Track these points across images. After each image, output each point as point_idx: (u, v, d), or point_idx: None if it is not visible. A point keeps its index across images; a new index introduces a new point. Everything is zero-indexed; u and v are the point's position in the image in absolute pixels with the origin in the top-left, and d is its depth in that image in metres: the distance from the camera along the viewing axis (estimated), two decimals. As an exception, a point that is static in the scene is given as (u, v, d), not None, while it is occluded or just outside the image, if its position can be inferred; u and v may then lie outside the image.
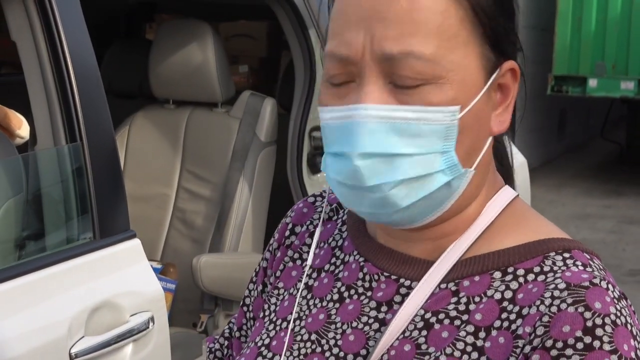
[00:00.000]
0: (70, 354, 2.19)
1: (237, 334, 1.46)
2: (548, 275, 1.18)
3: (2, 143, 2.51)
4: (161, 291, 2.50)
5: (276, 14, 3.45)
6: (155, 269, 3.40)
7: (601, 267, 1.24)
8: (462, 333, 1.18)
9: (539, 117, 12.91)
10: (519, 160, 4.49)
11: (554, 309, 1.12)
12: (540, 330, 1.12)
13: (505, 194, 1.31)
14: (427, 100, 1.12)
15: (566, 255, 1.22)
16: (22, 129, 2.77)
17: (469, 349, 1.17)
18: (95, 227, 2.37)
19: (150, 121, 3.73)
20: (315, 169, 3.64)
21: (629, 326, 1.16)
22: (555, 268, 1.19)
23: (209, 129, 3.67)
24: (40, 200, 2.42)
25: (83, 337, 2.23)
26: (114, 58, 4.13)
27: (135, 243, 2.49)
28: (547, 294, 1.13)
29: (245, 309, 1.45)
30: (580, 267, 1.19)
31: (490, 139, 1.25)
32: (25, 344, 2.12)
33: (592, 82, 11.21)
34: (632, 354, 1.15)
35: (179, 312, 3.53)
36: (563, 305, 1.12)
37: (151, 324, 2.41)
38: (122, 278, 2.41)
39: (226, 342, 1.49)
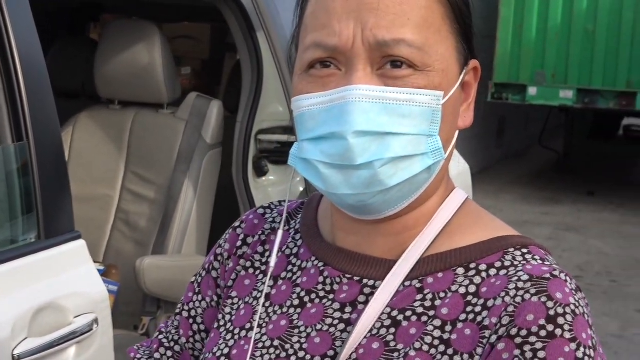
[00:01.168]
0: (13, 356, 2.15)
1: (187, 346, 1.46)
2: (510, 269, 1.24)
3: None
4: (106, 293, 2.49)
5: (224, 16, 3.44)
6: (99, 271, 3.39)
7: (556, 262, 1.30)
8: (430, 328, 1.22)
9: (479, 124, 13.03)
10: (462, 166, 4.52)
11: (518, 299, 1.17)
12: (505, 320, 1.17)
13: (459, 194, 1.37)
14: (415, 85, 1.20)
15: (524, 250, 1.28)
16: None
17: (436, 342, 1.21)
18: (40, 227, 2.35)
19: (95, 121, 3.70)
20: (260, 172, 3.63)
21: (585, 316, 1.22)
22: (515, 262, 1.25)
23: (154, 130, 3.66)
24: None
25: (26, 338, 2.20)
26: (57, 57, 4.09)
27: (81, 244, 2.46)
28: (511, 286, 1.19)
29: (190, 320, 1.46)
30: (539, 261, 1.26)
31: (457, 133, 1.32)
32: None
33: (532, 90, 11.36)
34: (589, 342, 1.21)
35: (121, 315, 3.50)
36: (527, 296, 1.18)
37: (95, 325, 2.40)
38: (66, 279, 2.39)
39: (169, 352, 1.48)
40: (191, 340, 1.46)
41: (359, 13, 1.20)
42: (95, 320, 2.41)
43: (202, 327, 1.45)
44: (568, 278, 1.26)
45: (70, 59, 4.01)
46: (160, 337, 1.51)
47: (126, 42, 3.55)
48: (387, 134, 1.20)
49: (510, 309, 1.18)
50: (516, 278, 1.21)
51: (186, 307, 1.48)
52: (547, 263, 1.28)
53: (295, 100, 1.22)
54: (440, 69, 1.24)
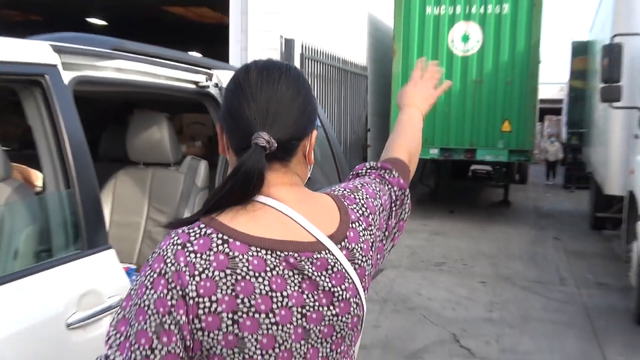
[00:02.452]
0: (66, 323, 2.15)
1: None
2: None
3: (26, 190, 2.47)
4: (127, 281, 2.45)
5: (207, 109, 3.43)
6: (131, 269, 3.34)
7: (187, 235, 1.28)
8: None
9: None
10: None
11: None
12: None
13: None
14: None
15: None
16: (38, 182, 2.71)
17: None
18: (84, 242, 2.35)
19: (129, 175, 3.71)
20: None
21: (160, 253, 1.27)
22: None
23: (165, 180, 3.66)
24: (49, 226, 2.37)
25: (76, 312, 2.19)
26: (109, 137, 4.08)
27: (112, 252, 2.44)
28: None
29: None
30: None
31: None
32: (44, 314, 2.08)
33: None
34: (148, 264, 1.28)
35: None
36: None
37: (122, 303, 2.37)
38: (102, 274, 2.37)
39: None
40: None
41: None
42: (121, 299, 2.37)
43: None
44: (161, 247, 1.28)
45: (117, 139, 3.99)
46: None
47: (146, 126, 3.57)
48: None
49: None
50: None
51: None
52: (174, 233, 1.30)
53: None
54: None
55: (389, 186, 1.64)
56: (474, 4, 11.01)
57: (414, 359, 4.98)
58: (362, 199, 1.50)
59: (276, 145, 1.30)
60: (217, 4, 9.06)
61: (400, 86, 11.49)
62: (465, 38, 11.16)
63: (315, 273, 1.31)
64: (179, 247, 1.24)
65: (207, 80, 3.24)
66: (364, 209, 1.48)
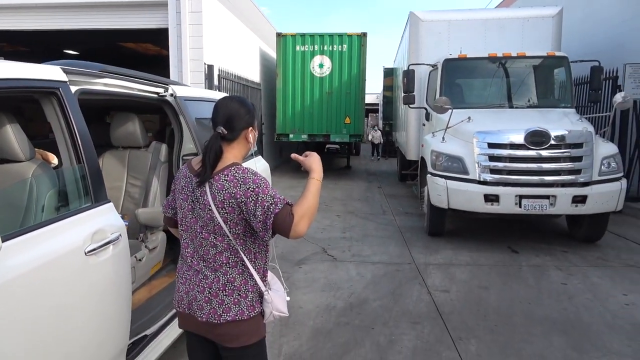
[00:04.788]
0: (84, 251, 2.10)
1: None
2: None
3: (46, 166, 2.35)
4: (123, 224, 2.42)
5: (165, 110, 3.35)
6: (118, 217, 3.24)
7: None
8: None
9: (272, 150, 13.07)
10: (263, 165, 4.54)
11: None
12: None
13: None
14: None
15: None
16: (54, 161, 2.57)
17: None
18: (92, 198, 2.29)
19: (113, 156, 3.54)
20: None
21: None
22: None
23: (139, 157, 3.52)
24: (66, 189, 2.28)
25: (90, 243, 2.16)
26: (93, 130, 3.83)
27: (111, 205, 2.38)
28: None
29: None
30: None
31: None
32: (71, 246, 2.04)
33: (291, 136, 11.53)
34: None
35: (130, 234, 3.36)
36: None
37: (120, 237, 2.34)
38: (106, 219, 2.31)
39: None
40: None
41: None
42: (120, 235, 2.32)
43: None
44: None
45: (100, 130, 3.77)
46: None
47: (122, 121, 3.41)
48: None
49: None
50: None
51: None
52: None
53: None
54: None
55: (257, 216, 1.66)
56: (325, 44, 11.30)
57: (300, 264, 5.10)
58: (249, 187, 1.66)
59: (226, 132, 1.68)
60: (157, 41, 8.68)
61: (282, 97, 11.67)
62: (321, 65, 11.33)
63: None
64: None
65: (165, 92, 3.17)
66: (239, 185, 1.66)
